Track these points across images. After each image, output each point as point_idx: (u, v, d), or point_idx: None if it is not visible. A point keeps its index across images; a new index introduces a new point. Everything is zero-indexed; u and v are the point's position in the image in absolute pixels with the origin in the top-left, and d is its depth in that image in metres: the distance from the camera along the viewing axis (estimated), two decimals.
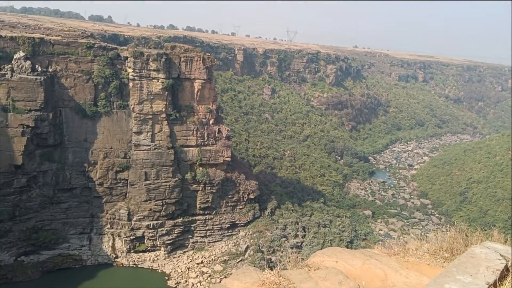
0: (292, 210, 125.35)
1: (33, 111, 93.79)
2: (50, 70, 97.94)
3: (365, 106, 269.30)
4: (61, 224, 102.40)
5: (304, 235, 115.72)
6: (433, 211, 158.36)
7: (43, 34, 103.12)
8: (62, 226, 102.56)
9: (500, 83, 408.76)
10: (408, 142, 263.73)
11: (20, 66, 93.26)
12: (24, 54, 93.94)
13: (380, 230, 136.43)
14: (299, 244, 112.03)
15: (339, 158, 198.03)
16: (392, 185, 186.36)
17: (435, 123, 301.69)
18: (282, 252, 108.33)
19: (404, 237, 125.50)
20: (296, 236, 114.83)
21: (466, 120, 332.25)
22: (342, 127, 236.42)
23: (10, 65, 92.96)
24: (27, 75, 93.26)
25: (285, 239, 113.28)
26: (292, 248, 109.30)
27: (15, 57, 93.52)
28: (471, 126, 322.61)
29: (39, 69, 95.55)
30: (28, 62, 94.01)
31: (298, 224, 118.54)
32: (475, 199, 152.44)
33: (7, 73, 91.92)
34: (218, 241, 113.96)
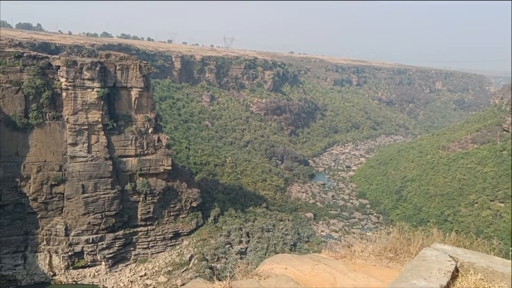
0: (236, 216, 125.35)
1: None
2: None
3: (303, 110, 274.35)
4: None
5: (248, 241, 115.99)
6: (371, 210, 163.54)
7: None
8: None
9: (428, 85, 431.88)
10: (345, 144, 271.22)
11: None
12: None
13: (322, 231, 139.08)
14: (243, 250, 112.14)
15: (280, 162, 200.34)
16: (331, 187, 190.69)
17: (369, 125, 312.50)
18: (227, 259, 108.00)
19: (345, 237, 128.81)
20: (241, 242, 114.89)
21: (398, 121, 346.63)
22: (281, 131, 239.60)
23: None
24: None
25: (230, 245, 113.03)
26: (237, 254, 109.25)
27: None
28: (403, 127, 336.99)
29: None
30: None
31: (241, 230, 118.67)
32: (410, 196, 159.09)
33: None
34: (161, 251, 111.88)
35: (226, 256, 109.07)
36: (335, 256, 13.59)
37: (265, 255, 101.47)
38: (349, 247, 14.53)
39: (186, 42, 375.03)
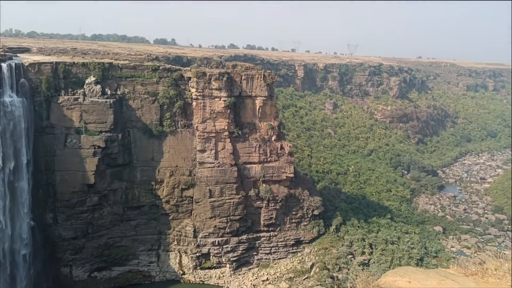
0: (358, 227, 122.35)
1: (103, 133, 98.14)
2: (118, 93, 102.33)
3: (431, 118, 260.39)
4: (130, 241, 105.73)
5: (371, 252, 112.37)
6: (509, 227, 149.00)
7: (112, 59, 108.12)
8: (131, 243, 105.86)
9: None
10: (480, 154, 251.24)
11: (91, 90, 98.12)
12: (94, 78, 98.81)
13: (452, 247, 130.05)
14: (366, 262, 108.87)
15: (406, 172, 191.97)
16: (463, 200, 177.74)
17: (508, 133, 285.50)
18: (348, 270, 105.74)
19: (478, 254, 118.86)
20: (363, 253, 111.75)
21: None
22: (408, 140, 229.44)
23: (82, 90, 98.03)
24: (98, 98, 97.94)
25: (352, 256, 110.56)
26: (359, 265, 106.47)
27: (86, 81, 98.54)
28: None
29: (109, 92, 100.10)
30: (99, 86, 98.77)
31: (364, 240, 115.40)
32: None
33: (79, 97, 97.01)
34: (283, 258, 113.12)
35: (348, 267, 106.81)
36: (464, 273, 12.49)
37: (389, 268, 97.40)
38: (481, 264, 13.28)
39: (309, 51, 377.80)
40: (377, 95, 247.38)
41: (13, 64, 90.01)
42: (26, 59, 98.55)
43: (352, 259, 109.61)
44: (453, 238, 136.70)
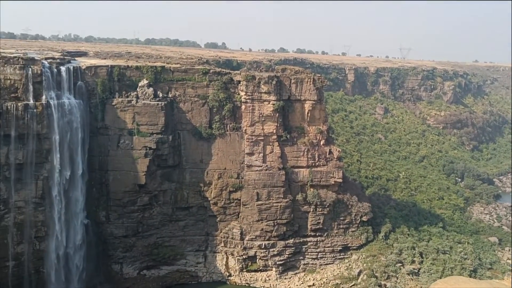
0: (408, 234, 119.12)
1: (154, 134, 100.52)
2: (170, 95, 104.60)
3: (488, 124, 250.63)
4: (179, 241, 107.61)
5: (422, 261, 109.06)
6: None
7: (164, 63, 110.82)
8: (180, 243, 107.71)
9: None
10: None
11: (144, 92, 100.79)
12: (147, 81, 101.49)
13: (508, 259, 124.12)
14: (416, 271, 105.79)
15: (460, 180, 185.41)
16: None
17: None
18: (397, 279, 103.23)
19: None
20: (413, 262, 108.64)
21: None
22: (462, 147, 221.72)
23: (135, 92, 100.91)
24: (150, 101, 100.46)
25: (401, 264, 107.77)
26: (408, 274, 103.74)
27: (139, 84, 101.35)
28: None
29: (160, 95, 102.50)
30: (151, 89, 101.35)
31: (414, 249, 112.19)
32: None
33: (132, 100, 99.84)
34: (329, 263, 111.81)
35: (397, 275, 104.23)
36: None
37: (440, 278, 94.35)
38: None
39: (360, 54, 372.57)
40: (430, 100, 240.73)
41: (71, 68, 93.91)
42: (83, 62, 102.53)
43: (401, 267, 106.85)
44: (509, 250, 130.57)
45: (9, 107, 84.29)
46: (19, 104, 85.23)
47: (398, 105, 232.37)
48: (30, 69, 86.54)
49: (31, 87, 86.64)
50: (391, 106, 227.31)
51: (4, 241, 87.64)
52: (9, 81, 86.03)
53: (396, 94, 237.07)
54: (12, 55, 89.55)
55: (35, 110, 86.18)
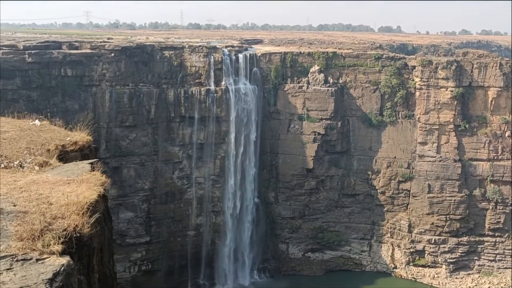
0: None
1: (324, 120, 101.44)
2: (340, 81, 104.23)
3: None
4: (344, 227, 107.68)
5: None
6: None
7: (335, 49, 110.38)
8: (344, 230, 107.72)
9: None
10: None
11: (315, 78, 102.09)
12: (318, 67, 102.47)
13: None
14: None
15: None
16: None
17: None
18: None
19: None
20: None
21: None
22: None
23: (306, 78, 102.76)
24: (320, 86, 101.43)
25: None
26: None
27: (311, 70, 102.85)
28: None
29: (331, 81, 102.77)
30: (322, 75, 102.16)
31: None
32: None
33: (303, 85, 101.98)
34: (509, 267, 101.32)
35: None
36: None
37: None
38: None
39: None
40: None
41: (248, 55, 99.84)
42: (259, 50, 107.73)
43: None
44: None
45: (193, 92, 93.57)
46: (202, 89, 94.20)
47: None
48: (212, 56, 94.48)
49: (212, 74, 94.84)
50: None
51: (187, 212, 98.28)
52: (194, 68, 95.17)
53: None
54: (197, 44, 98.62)
55: (215, 94, 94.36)
